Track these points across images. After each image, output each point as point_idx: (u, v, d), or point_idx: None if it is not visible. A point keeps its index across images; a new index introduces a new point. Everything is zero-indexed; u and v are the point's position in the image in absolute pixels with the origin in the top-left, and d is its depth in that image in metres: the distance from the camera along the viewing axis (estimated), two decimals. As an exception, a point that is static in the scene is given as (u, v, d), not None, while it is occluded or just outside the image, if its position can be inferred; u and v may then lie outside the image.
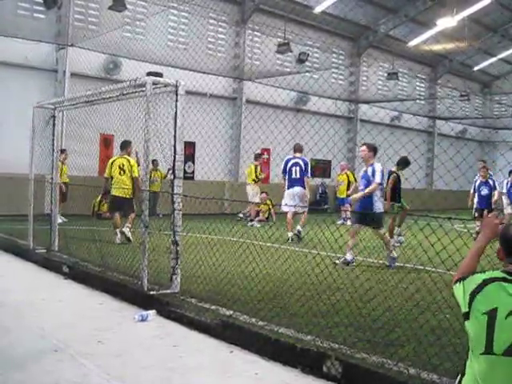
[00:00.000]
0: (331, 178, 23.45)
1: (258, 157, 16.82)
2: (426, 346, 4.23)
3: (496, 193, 14.68)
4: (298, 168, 11.80)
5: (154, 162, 15.40)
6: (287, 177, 11.86)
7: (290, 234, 11.46)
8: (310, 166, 12.07)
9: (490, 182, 14.40)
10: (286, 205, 11.67)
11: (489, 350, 2.39)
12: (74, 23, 16.50)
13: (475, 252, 2.87)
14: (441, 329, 4.63)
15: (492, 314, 2.41)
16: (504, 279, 2.49)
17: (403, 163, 11.16)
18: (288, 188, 11.81)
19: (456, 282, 2.68)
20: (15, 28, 15.16)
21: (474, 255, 2.86)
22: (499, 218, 2.93)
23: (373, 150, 8.81)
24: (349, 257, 8.59)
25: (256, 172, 16.23)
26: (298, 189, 11.68)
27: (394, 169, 11.39)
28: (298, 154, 12.01)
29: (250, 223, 15.12)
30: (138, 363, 4.37)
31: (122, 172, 10.67)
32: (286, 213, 11.73)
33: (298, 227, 11.64)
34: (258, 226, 14.73)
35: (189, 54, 17.25)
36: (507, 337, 2.37)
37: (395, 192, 11.24)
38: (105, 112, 8.70)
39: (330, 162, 23.24)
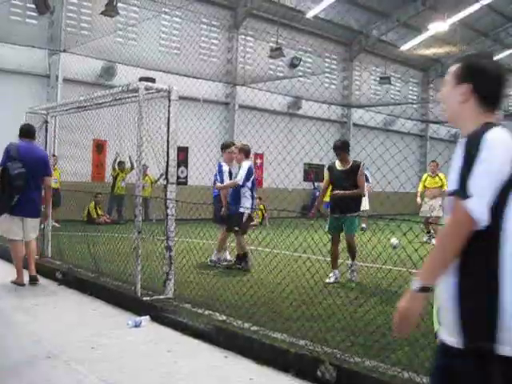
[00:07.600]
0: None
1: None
2: (418, 350, 4.25)
3: None
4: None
5: (143, 166, 15.33)
6: None
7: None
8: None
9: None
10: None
11: None
12: (67, 29, 16.48)
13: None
14: (431, 333, 4.64)
15: None
16: None
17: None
18: None
19: None
20: (7, 33, 15.15)
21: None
22: None
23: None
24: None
25: None
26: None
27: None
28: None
29: None
30: (133, 369, 4.37)
31: None
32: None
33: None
34: None
35: (181, 59, 17.27)
36: None
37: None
38: (98, 117, 8.70)
39: (323, 166, 23.18)
